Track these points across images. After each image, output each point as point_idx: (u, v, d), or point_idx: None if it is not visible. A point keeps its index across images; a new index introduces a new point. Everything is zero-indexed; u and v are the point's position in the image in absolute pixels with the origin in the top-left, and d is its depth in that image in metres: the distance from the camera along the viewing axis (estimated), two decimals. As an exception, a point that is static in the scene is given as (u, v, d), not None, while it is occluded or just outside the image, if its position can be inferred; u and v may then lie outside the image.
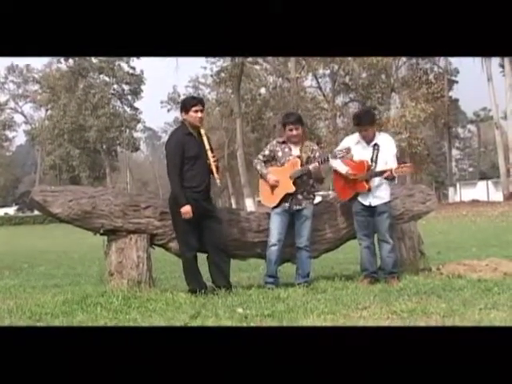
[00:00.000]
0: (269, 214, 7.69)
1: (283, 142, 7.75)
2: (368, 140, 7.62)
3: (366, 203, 7.59)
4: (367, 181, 7.54)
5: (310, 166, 7.43)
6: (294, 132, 7.62)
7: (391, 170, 7.45)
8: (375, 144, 7.61)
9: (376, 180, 7.56)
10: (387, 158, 7.57)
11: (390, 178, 7.56)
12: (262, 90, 56.80)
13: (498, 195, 50.79)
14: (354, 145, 7.60)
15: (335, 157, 7.50)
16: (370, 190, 7.53)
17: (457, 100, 63.46)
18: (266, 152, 7.82)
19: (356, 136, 7.73)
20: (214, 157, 7.18)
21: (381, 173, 7.49)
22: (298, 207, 7.54)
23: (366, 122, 7.62)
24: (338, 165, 7.68)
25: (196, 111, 7.16)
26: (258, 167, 7.76)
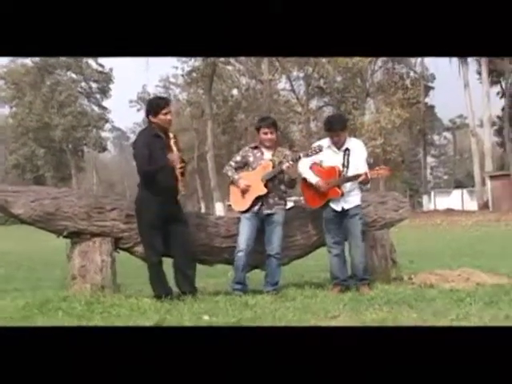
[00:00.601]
0: (238, 219, 7.69)
1: (255, 148, 7.77)
2: (339, 145, 7.64)
3: (338, 208, 7.60)
4: (339, 186, 7.55)
5: (283, 166, 7.43)
6: (269, 136, 7.64)
7: (366, 174, 7.47)
8: (346, 149, 7.62)
9: (347, 185, 7.59)
10: (358, 163, 7.57)
11: (365, 182, 7.58)
12: (234, 92, 56.78)
13: (472, 204, 51.31)
14: (325, 149, 7.62)
15: (307, 155, 7.52)
16: (343, 195, 7.55)
17: (433, 106, 63.95)
18: (238, 158, 7.83)
19: (326, 141, 7.73)
20: (180, 162, 7.14)
21: (355, 177, 7.50)
22: (268, 211, 7.55)
23: (337, 127, 7.63)
24: (309, 175, 7.70)
25: (166, 114, 7.13)
26: (229, 173, 7.75)
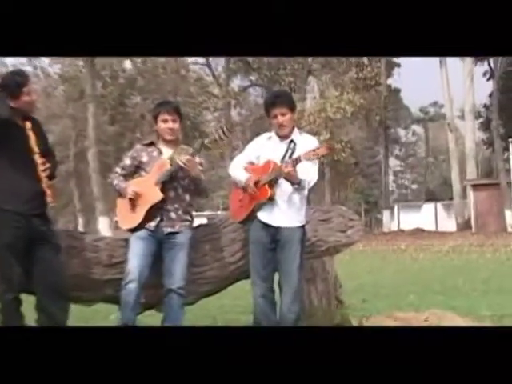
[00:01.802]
0: (126, 241, 7.64)
1: (150, 144, 7.73)
2: (283, 134, 7.50)
3: (270, 221, 7.41)
4: (271, 185, 7.36)
5: (181, 161, 7.32)
6: (170, 124, 7.59)
7: (299, 156, 7.18)
8: (291, 141, 7.50)
9: (286, 191, 7.38)
10: (305, 164, 7.22)
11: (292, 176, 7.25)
12: (127, 65, 56.50)
13: (449, 223, 52.14)
14: (265, 141, 7.64)
15: (215, 140, 7.37)
16: (272, 198, 7.35)
17: (398, 90, 64.90)
18: (127, 162, 7.76)
19: (266, 134, 7.72)
20: (44, 163, 7.02)
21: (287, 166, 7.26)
22: (169, 230, 7.48)
23: (283, 101, 7.56)
24: (238, 173, 7.64)
25: (28, 93, 7.03)
26: (115, 182, 7.69)
